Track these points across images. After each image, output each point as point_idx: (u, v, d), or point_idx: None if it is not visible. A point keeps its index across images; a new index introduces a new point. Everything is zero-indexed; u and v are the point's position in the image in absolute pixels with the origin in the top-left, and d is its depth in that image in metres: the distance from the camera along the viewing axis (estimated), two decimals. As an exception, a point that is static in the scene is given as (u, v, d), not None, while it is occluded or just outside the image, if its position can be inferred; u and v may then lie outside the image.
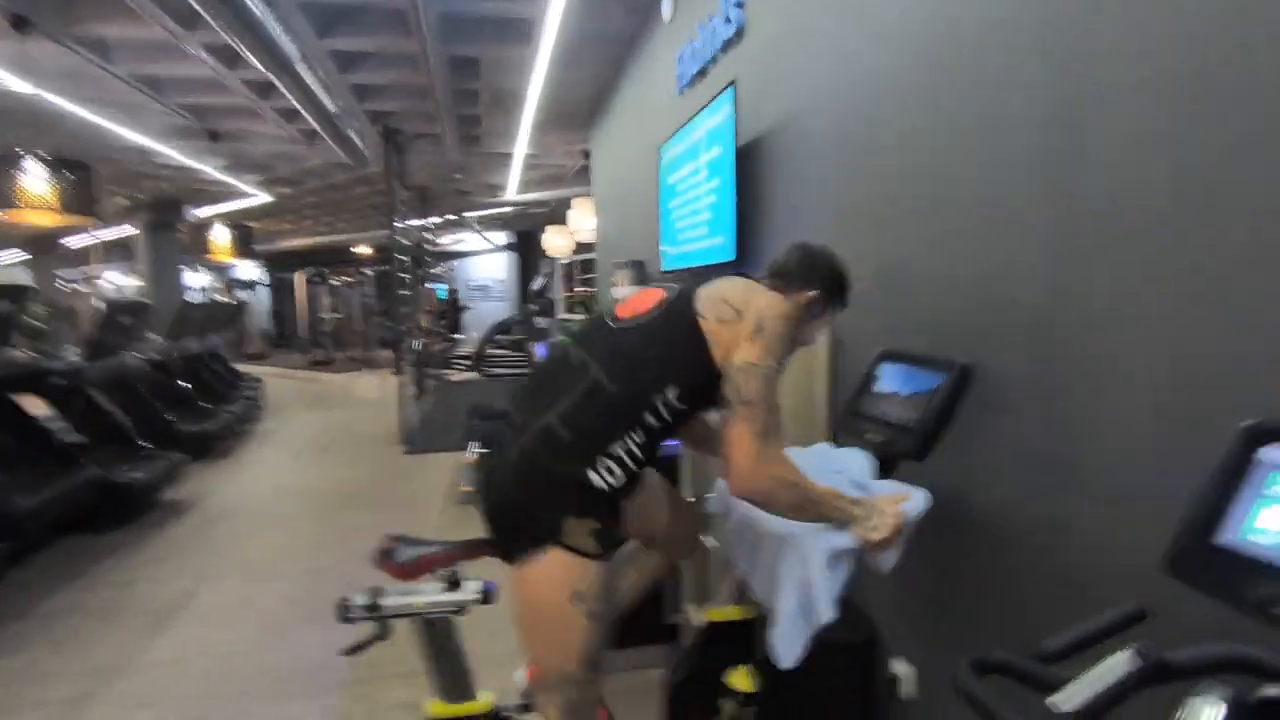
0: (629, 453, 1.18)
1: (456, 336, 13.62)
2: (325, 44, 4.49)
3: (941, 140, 1.47)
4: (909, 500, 1.16)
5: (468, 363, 10.05)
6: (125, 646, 2.79)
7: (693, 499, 2.18)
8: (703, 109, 2.68)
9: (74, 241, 13.16)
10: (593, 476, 1.16)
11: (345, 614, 1.29)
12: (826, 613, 1.12)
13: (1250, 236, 0.90)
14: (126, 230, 10.69)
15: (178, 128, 6.33)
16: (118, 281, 16.02)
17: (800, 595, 1.14)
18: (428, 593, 1.32)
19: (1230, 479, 0.78)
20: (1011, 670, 0.80)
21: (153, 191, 9.49)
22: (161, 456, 4.68)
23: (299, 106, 4.90)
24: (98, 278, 15.03)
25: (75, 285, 16.57)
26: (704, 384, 1.21)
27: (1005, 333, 1.30)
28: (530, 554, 1.16)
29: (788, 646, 1.15)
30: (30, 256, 14.71)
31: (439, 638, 1.32)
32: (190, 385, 6.66)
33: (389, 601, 1.30)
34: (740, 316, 1.22)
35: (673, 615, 2.28)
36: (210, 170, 8.08)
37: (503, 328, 8.65)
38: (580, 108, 6.01)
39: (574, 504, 1.16)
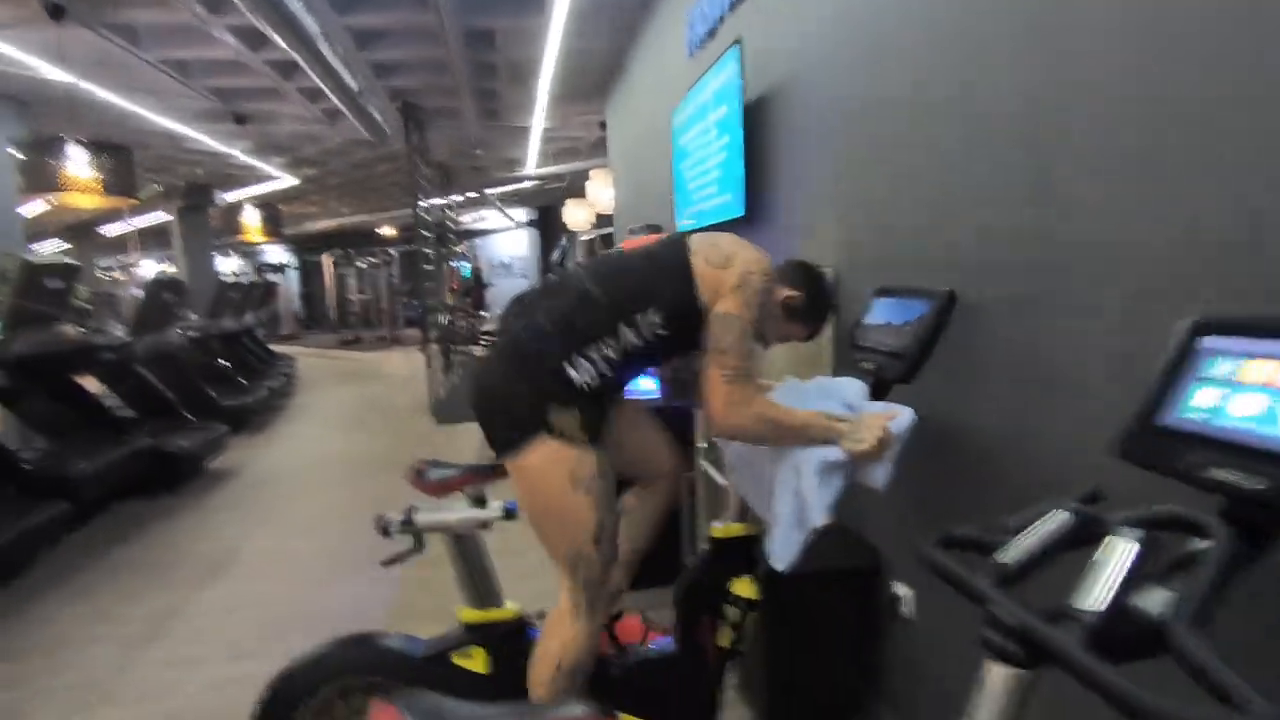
0: (604, 358, 1.28)
1: (481, 313, 13.83)
2: (344, 20, 4.59)
3: (934, 93, 1.53)
4: (895, 416, 1.24)
5: (492, 337, 10.24)
6: (180, 595, 3.01)
7: (704, 444, 2.30)
8: (710, 68, 2.73)
9: (111, 230, 13.58)
10: (569, 370, 1.26)
11: (384, 529, 1.43)
12: (819, 518, 1.22)
13: (1200, 173, 0.96)
14: (161, 216, 11.01)
15: (205, 111, 6.51)
16: (153, 270, 16.49)
17: (795, 504, 1.24)
18: (457, 510, 1.45)
19: (1175, 367, 0.86)
20: (972, 544, 0.90)
21: (185, 177, 9.76)
22: (207, 428, 4.93)
23: (321, 84, 5.02)
24: (135, 265, 15.49)
25: (114, 273, 17.11)
26: (685, 315, 1.30)
27: (986, 264, 1.37)
28: (521, 444, 1.26)
29: (784, 551, 1.25)
30: (69, 246, 15.19)
31: (467, 550, 1.46)
32: (228, 362, 6.94)
33: (422, 518, 1.44)
34: (727, 264, 1.32)
35: (689, 556, 2.41)
36: (238, 154, 8.29)
37: (523, 298, 8.79)
38: (595, 78, 6.05)
39: (556, 392, 1.26)
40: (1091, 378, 1.16)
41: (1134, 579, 0.68)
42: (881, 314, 1.51)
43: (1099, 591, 0.67)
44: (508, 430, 1.29)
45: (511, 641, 1.43)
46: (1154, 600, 0.68)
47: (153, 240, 15.12)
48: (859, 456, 1.21)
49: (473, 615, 1.46)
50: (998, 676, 0.74)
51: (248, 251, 19.51)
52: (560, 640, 1.33)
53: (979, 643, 0.76)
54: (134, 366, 4.85)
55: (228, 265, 18.32)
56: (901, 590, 1.78)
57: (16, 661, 2.53)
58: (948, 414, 1.54)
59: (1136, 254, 1.07)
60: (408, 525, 1.44)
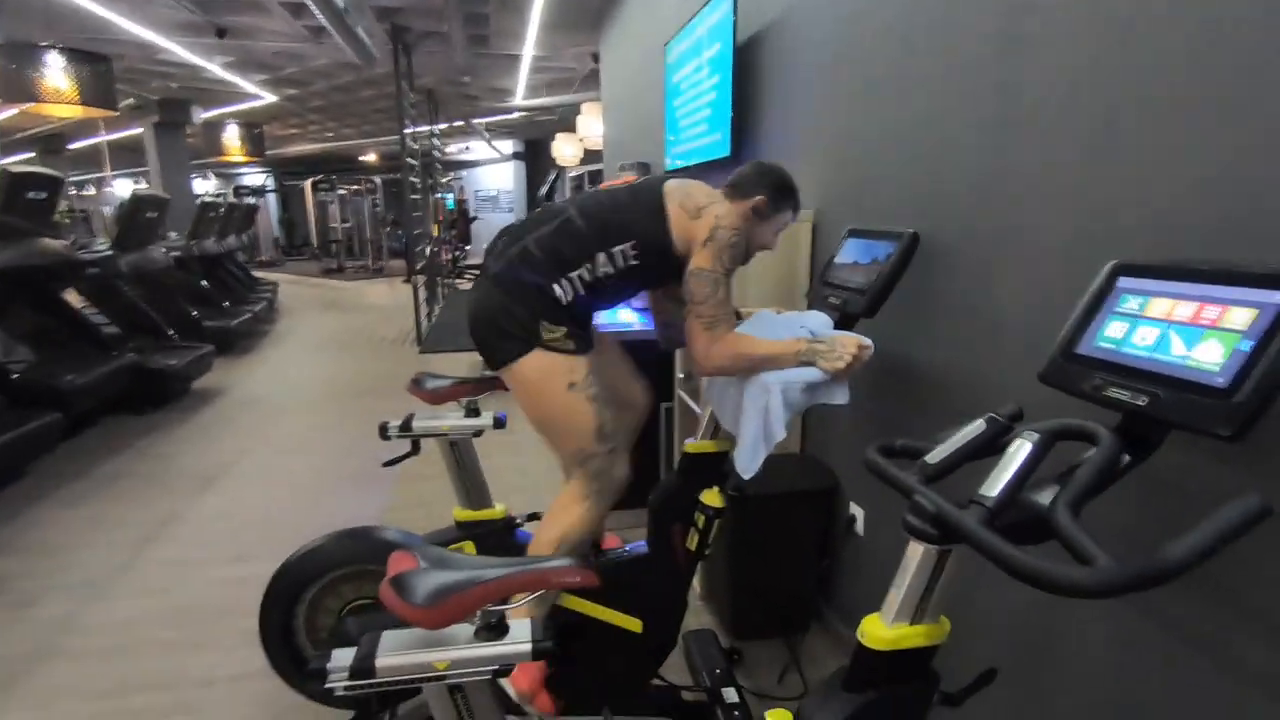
0: (582, 280, 1.42)
1: (466, 246, 13.72)
2: (331, -67, 4.43)
3: (909, 46, 1.60)
4: (868, 345, 1.37)
5: (478, 269, 10.21)
6: (178, 503, 3.14)
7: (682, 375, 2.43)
8: (705, 4, 2.74)
9: (83, 143, 13.11)
10: (556, 289, 1.40)
11: (384, 433, 1.56)
12: (780, 432, 1.37)
13: (1134, 139, 1.06)
14: (134, 131, 10.65)
15: (184, 23, 6.27)
16: (125, 190, 16.02)
17: (761, 419, 1.37)
18: (451, 417, 1.58)
19: (1096, 303, 0.99)
20: (907, 452, 1.03)
21: (160, 91, 9.41)
22: (192, 347, 4.97)
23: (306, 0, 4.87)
24: (108, 185, 15.04)
25: (86, 189, 16.60)
26: (656, 250, 1.43)
27: (947, 209, 1.48)
28: (517, 355, 1.39)
29: (748, 461, 1.39)
30: (38, 159, 14.67)
31: (461, 455, 1.59)
32: (210, 284, 6.90)
33: (419, 424, 1.57)
34: (699, 214, 1.43)
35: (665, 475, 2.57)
36: (216, 69, 8.01)
37: (510, 230, 8.76)
38: (589, 6, 5.90)
39: (545, 309, 1.39)
40: (1032, 314, 1.29)
41: (1029, 475, 0.82)
42: (851, 253, 1.62)
43: (997, 482, 0.81)
44: (504, 344, 1.41)
45: (499, 537, 1.57)
46: (1045, 494, 0.82)
47: (125, 156, 14.65)
48: (837, 374, 1.34)
49: (465, 514, 1.60)
50: (916, 553, 0.89)
51: (225, 173, 18.97)
52: (567, 520, 1.46)
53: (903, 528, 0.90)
54: (117, 283, 4.84)
55: (203, 187, 17.83)
56: (857, 511, 1.96)
57: (19, 557, 2.66)
58: (906, 346, 1.67)
59: (1075, 206, 1.18)
60: (406, 430, 1.56)
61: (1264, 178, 0.89)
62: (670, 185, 1.48)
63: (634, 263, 1.44)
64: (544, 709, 1.42)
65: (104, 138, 9.95)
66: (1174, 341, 0.84)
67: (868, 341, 1.36)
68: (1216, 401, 0.76)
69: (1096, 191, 1.14)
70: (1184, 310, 0.85)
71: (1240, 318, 0.78)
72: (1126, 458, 0.85)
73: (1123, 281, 0.97)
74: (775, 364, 1.37)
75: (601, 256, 1.42)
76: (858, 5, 1.86)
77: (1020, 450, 0.83)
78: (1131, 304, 0.93)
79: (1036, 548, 0.77)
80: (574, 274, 1.41)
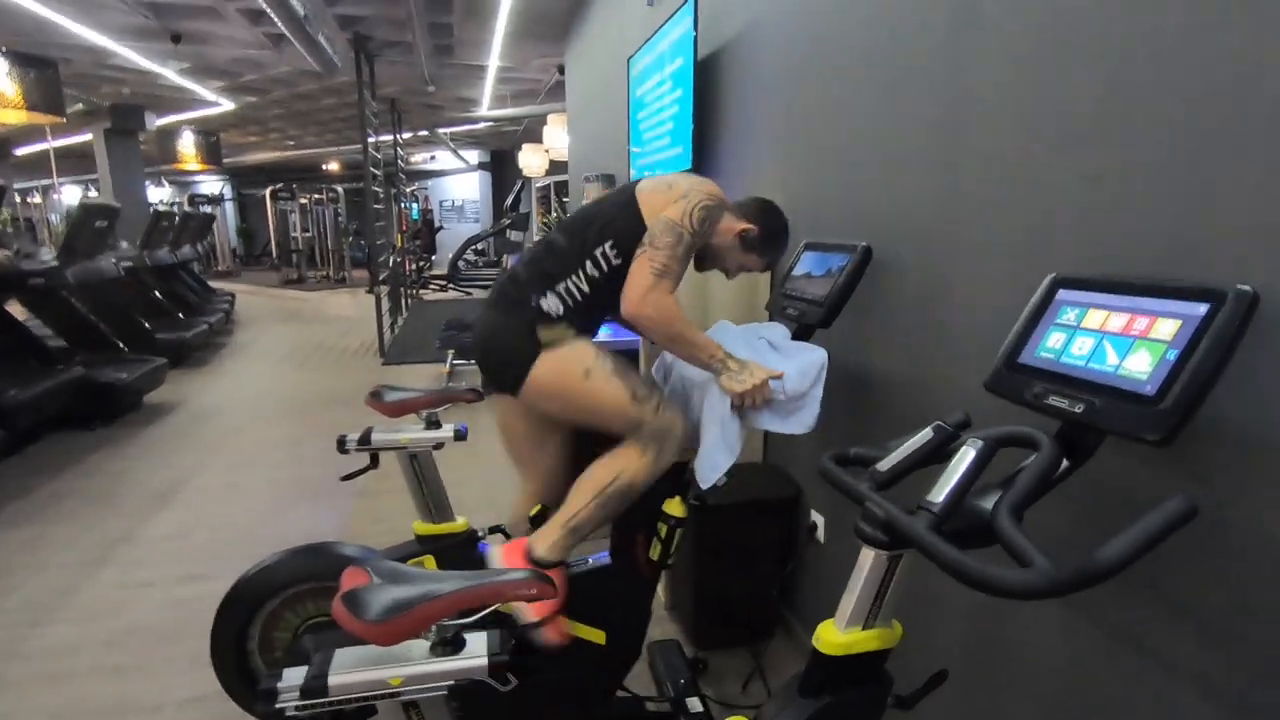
0: (569, 291, 1.43)
1: (431, 257, 13.58)
2: (291, -59, 4.38)
3: (863, 62, 1.64)
4: (779, 376, 1.38)
5: (443, 280, 10.12)
6: (128, 522, 3.03)
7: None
8: (669, 19, 2.78)
9: (30, 149, 12.65)
10: (543, 303, 1.41)
11: (342, 447, 1.53)
12: (736, 445, 1.39)
13: (1065, 161, 1.11)
14: (83, 138, 10.32)
15: (137, 27, 6.12)
16: (74, 197, 15.50)
17: (719, 429, 1.39)
18: (411, 430, 1.56)
19: (1036, 315, 1.03)
20: (860, 460, 1.06)
21: (112, 97, 9.15)
22: (143, 360, 4.82)
23: (265, 6, 4.80)
24: (56, 192, 14.53)
25: (32, 198, 16.00)
26: (635, 244, 1.43)
27: (899, 226, 1.52)
28: (526, 371, 1.39)
29: (709, 471, 1.41)
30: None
31: (421, 468, 1.57)
32: (164, 295, 6.71)
33: (379, 437, 1.55)
34: (671, 189, 1.47)
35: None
36: (172, 75, 7.83)
37: (475, 240, 8.70)
38: (554, 18, 5.93)
39: (539, 318, 1.41)
40: (979, 325, 1.33)
41: (974, 481, 0.85)
42: (808, 265, 1.66)
43: (944, 489, 0.83)
44: (512, 362, 1.41)
45: (461, 551, 1.56)
46: (990, 499, 0.85)
47: (75, 163, 14.17)
48: (734, 395, 1.36)
49: (425, 528, 1.58)
50: (868, 558, 0.91)
51: (181, 181, 18.49)
52: (623, 465, 1.42)
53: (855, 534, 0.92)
54: (63, 295, 4.68)
55: (158, 195, 17.34)
56: (818, 518, 1.98)
57: (-43, 582, 2.54)
58: (862, 356, 1.71)
59: (1018, 222, 1.23)
60: (365, 444, 1.54)
61: (1190, 195, 0.94)
62: (644, 179, 1.52)
63: (617, 263, 1.44)
64: (555, 638, 1.40)
65: (51, 144, 9.62)
66: (1108, 351, 0.88)
67: (779, 373, 1.37)
68: (1145, 409, 0.79)
69: (1037, 208, 1.19)
70: (1117, 321, 0.89)
71: (1167, 329, 0.82)
72: (1066, 463, 0.88)
73: (1062, 294, 1.01)
74: (692, 351, 1.39)
75: (588, 264, 1.44)
76: (814, 27, 1.91)
77: (965, 457, 0.86)
78: (1070, 316, 0.97)
79: (984, 551, 0.80)
80: (560, 286, 1.43)
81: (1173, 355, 0.80)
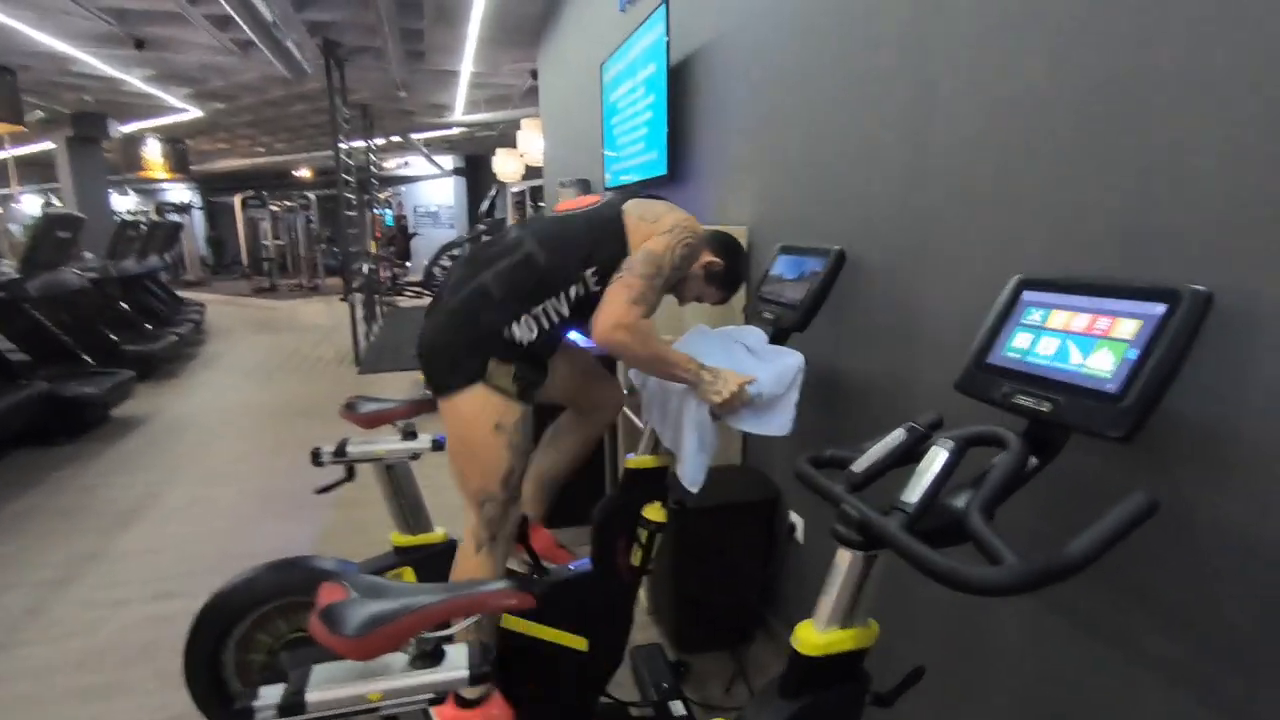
0: (547, 316, 1.41)
1: (405, 264, 13.45)
2: (258, -54, 4.33)
3: (834, 68, 1.67)
4: (753, 381, 1.38)
5: (418, 287, 10.03)
6: (96, 539, 2.96)
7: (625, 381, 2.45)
8: (640, 25, 2.79)
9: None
10: (514, 330, 1.38)
11: (317, 459, 1.51)
12: (712, 446, 1.40)
13: (1031, 167, 1.14)
14: (43, 146, 10.07)
15: (99, 34, 5.99)
16: (34, 206, 15.10)
17: (699, 434, 1.40)
18: (387, 441, 1.54)
19: (1003, 316, 1.05)
20: (835, 462, 1.07)
21: (73, 104, 8.95)
22: (110, 373, 4.71)
23: (232, 12, 4.73)
24: (15, 201, 14.15)
25: (-10, 207, 15.56)
26: (618, 269, 1.42)
27: (870, 230, 1.55)
28: (457, 388, 1.37)
29: (692, 474, 1.42)
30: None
31: (397, 479, 1.56)
32: (130, 307, 6.57)
33: (354, 448, 1.53)
34: (659, 219, 1.46)
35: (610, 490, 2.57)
36: (136, 82, 7.67)
37: (451, 247, 8.65)
38: (527, 24, 5.93)
39: (496, 349, 1.37)
40: (948, 328, 1.36)
41: (946, 481, 0.86)
42: (783, 268, 1.68)
43: (916, 489, 0.85)
44: (448, 375, 1.38)
45: (440, 561, 1.54)
46: (962, 498, 0.87)
47: (34, 172, 13.82)
48: (714, 406, 1.37)
49: (403, 539, 1.57)
50: (844, 559, 0.92)
51: (147, 189, 18.11)
52: (470, 572, 1.44)
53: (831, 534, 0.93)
54: (26, 307, 4.55)
55: (123, 203, 16.97)
56: (797, 519, 2.00)
57: (-84, 606, 2.46)
58: (838, 358, 1.73)
59: (984, 224, 1.26)
60: (340, 455, 1.52)
61: (1145, 198, 0.97)
62: (631, 202, 1.50)
63: (596, 289, 1.42)
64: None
65: (9, 152, 9.37)
66: (1072, 351, 0.91)
67: (752, 379, 1.38)
68: (1108, 406, 0.81)
69: (1004, 210, 1.22)
70: (1080, 322, 0.92)
71: (1128, 328, 0.85)
72: (1034, 460, 0.90)
73: (1027, 295, 1.04)
74: (666, 369, 1.39)
75: (571, 288, 1.42)
76: (785, 34, 1.93)
77: (937, 457, 0.87)
78: (1035, 316, 1.00)
79: (958, 549, 0.82)
80: (538, 309, 1.40)
81: (1133, 354, 0.82)
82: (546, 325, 1.41)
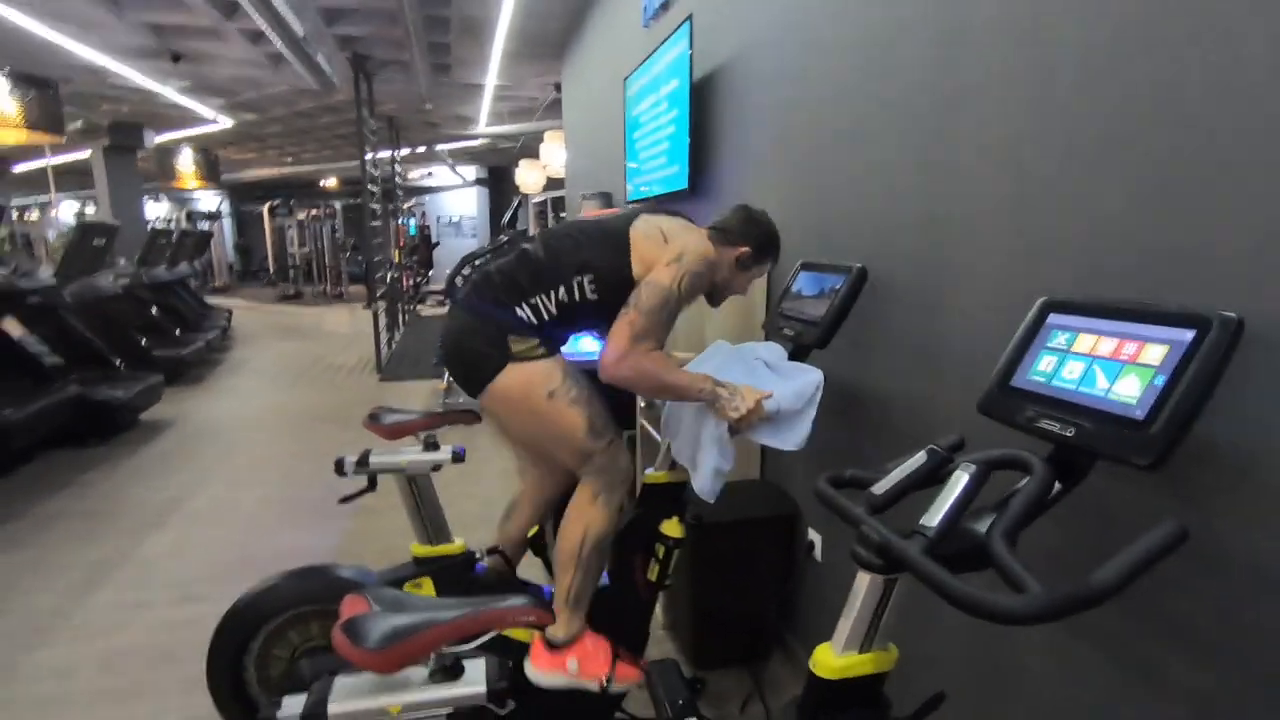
0: (544, 307, 1.44)
1: (428, 272, 13.60)
2: (291, -37, 4.44)
3: (857, 85, 1.67)
4: (769, 396, 1.38)
5: (440, 295, 10.14)
6: (121, 543, 3.02)
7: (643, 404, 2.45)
8: (665, 40, 2.82)
9: (28, 165, 12.67)
10: (519, 311, 1.43)
11: (340, 470, 1.53)
12: (730, 461, 1.40)
13: (1059, 184, 1.13)
14: (80, 155, 10.36)
15: (137, 48, 6.17)
16: (70, 214, 15.53)
17: (717, 447, 1.40)
18: (409, 452, 1.56)
19: (1028, 338, 1.04)
20: (856, 482, 1.07)
21: (111, 115, 9.20)
22: (140, 377, 4.81)
23: (265, 27, 4.85)
24: (53, 209, 14.57)
25: (29, 214, 16.03)
26: (616, 283, 1.44)
27: (893, 246, 1.54)
28: (492, 376, 1.40)
29: (709, 486, 1.42)
30: (-21, 182, 14.12)
31: (419, 491, 1.58)
32: (161, 312, 6.71)
33: (377, 459, 1.55)
34: (667, 240, 1.46)
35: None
36: (171, 93, 7.88)
37: (473, 257, 8.79)
38: (551, 38, 6.00)
39: (512, 326, 1.41)
40: (969, 347, 1.35)
41: (968, 505, 0.85)
42: (803, 285, 1.67)
43: (938, 513, 0.84)
44: (479, 366, 1.41)
45: (459, 573, 1.56)
46: (984, 523, 0.86)
47: (71, 180, 14.20)
48: (732, 422, 1.36)
49: (423, 550, 1.59)
50: (864, 582, 0.91)
51: (178, 197, 18.53)
52: (584, 521, 1.46)
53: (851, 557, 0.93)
54: (60, 312, 4.68)
55: (155, 210, 17.37)
56: (816, 537, 1.99)
57: (-51, 604, 2.52)
58: (859, 376, 1.72)
59: (1007, 245, 1.25)
60: (363, 466, 1.54)
61: (1174, 219, 0.96)
62: (641, 219, 1.50)
63: (592, 297, 1.45)
64: (628, 678, 1.47)
65: (49, 160, 9.65)
66: (1098, 375, 0.90)
67: (769, 393, 1.37)
68: (1135, 433, 0.80)
69: (1029, 230, 1.21)
70: (1106, 346, 0.91)
71: (1155, 354, 0.84)
72: (1058, 486, 0.89)
73: (1052, 318, 1.03)
74: (678, 394, 1.40)
75: (561, 289, 1.44)
76: (808, 50, 1.94)
77: (959, 481, 0.86)
78: (1060, 339, 0.99)
79: (979, 575, 0.81)
80: (533, 301, 1.43)
81: (1161, 380, 0.81)
82: (545, 316, 1.44)
